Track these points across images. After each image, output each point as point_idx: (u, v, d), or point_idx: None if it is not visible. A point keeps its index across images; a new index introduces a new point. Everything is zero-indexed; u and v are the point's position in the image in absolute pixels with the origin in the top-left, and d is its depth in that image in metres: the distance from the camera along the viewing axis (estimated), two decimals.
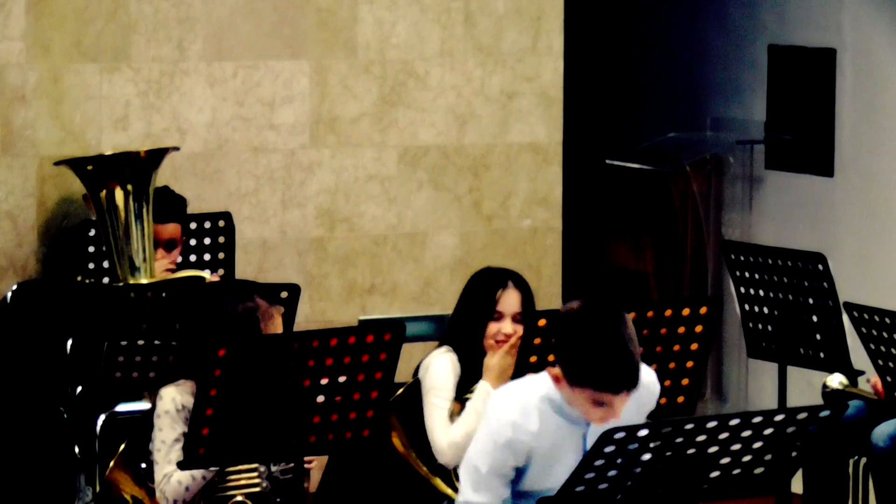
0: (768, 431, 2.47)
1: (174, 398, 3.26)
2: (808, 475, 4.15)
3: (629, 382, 2.46)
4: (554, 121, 5.35)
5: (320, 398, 3.02)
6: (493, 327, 3.70)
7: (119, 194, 4.30)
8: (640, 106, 6.78)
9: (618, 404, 2.49)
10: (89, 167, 4.27)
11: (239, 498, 3.24)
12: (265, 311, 3.33)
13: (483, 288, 3.81)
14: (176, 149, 4.45)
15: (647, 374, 2.64)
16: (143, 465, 3.25)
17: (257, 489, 3.32)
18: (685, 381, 3.37)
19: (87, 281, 4.30)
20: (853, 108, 5.57)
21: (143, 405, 3.50)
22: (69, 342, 4.00)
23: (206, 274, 4.13)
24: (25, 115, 4.48)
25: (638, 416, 2.62)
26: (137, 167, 4.34)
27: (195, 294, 3.90)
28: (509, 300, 3.74)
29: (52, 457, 4.19)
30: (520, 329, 3.73)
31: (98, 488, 3.59)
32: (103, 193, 4.29)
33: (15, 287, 4.42)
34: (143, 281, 4.19)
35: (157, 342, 3.87)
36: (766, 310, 4.27)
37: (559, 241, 5.42)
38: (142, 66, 4.60)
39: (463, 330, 3.76)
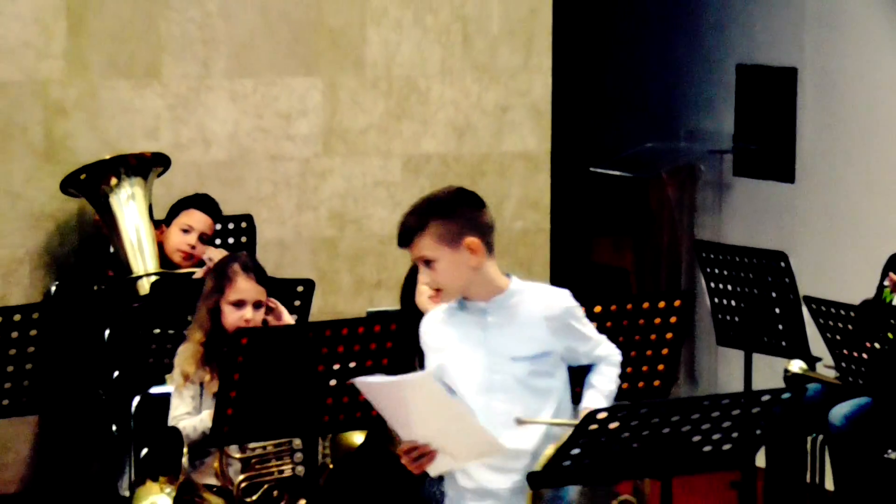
0: (735, 412, 2.48)
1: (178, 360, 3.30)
2: (770, 451, 4.13)
3: (398, 239, 2.46)
4: (543, 132, 5.32)
5: (332, 382, 3.00)
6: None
7: (113, 195, 4.27)
8: (621, 119, 6.73)
9: (417, 262, 2.48)
10: (83, 176, 4.21)
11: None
12: (230, 272, 3.31)
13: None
14: (162, 158, 4.37)
15: (553, 297, 2.52)
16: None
17: (295, 472, 3.26)
18: (661, 367, 3.36)
19: (101, 287, 4.29)
20: (813, 120, 5.60)
21: (171, 387, 3.50)
22: (107, 331, 3.97)
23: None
24: (66, 127, 4.47)
25: (552, 334, 2.49)
26: (128, 170, 4.29)
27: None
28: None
29: (93, 435, 4.16)
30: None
31: (134, 467, 3.66)
32: (101, 196, 4.28)
33: (58, 282, 4.41)
34: (151, 270, 4.15)
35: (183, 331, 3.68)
36: (733, 302, 4.26)
37: (548, 241, 5.39)
38: (171, 82, 4.60)
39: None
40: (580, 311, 2.59)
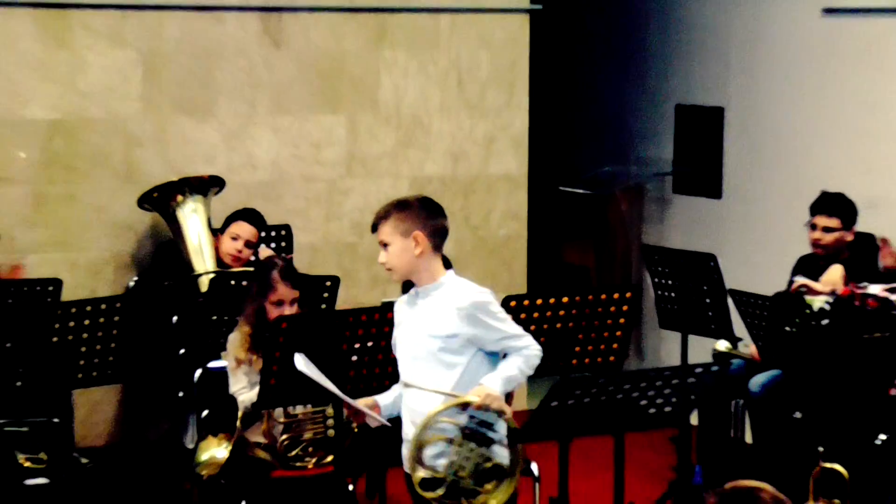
0: (675, 381, 2.47)
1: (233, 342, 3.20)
2: (702, 412, 4.10)
3: (371, 225, 2.48)
4: (522, 158, 5.27)
5: (353, 358, 2.96)
6: None
7: (179, 209, 4.22)
8: (584, 147, 6.23)
9: (379, 245, 2.45)
10: (155, 194, 4.16)
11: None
12: (272, 279, 3.26)
13: None
14: (218, 179, 4.28)
15: (467, 292, 2.42)
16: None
17: (327, 434, 3.17)
18: (615, 346, 3.33)
19: (170, 283, 3.98)
20: (736, 150, 5.58)
21: (224, 362, 3.44)
22: (174, 318, 3.95)
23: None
24: (142, 155, 4.43)
25: (461, 320, 2.40)
26: (191, 189, 4.26)
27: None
28: None
29: (164, 400, 4.13)
30: None
31: (196, 425, 3.67)
32: (170, 210, 4.26)
33: (136, 279, 4.38)
34: (209, 269, 4.09)
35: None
36: (673, 294, 4.22)
37: (525, 246, 5.27)
38: (225, 119, 4.53)
39: None
40: (495, 308, 2.50)
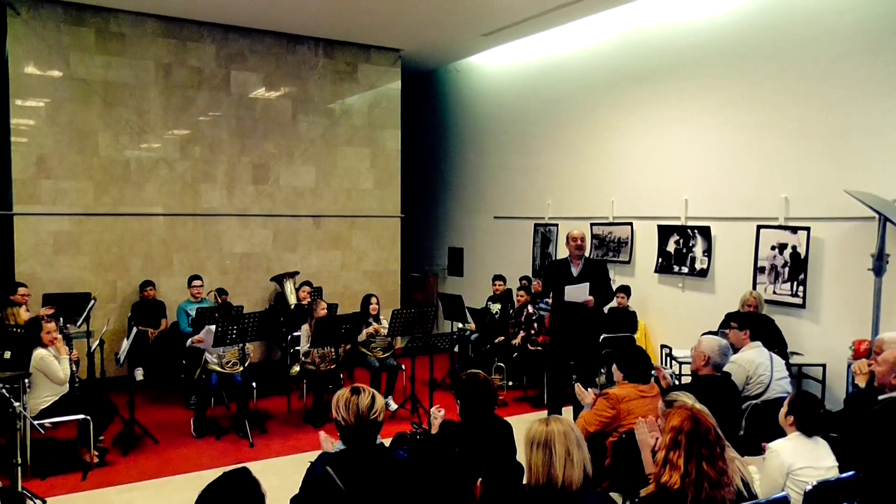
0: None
1: None
2: None
3: None
4: (398, 264, 7.28)
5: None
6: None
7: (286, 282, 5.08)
8: (421, 259, 9.08)
9: None
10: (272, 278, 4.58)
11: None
12: (315, 302, 4.27)
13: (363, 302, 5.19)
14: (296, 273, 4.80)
15: None
16: None
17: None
18: (427, 325, 4.14)
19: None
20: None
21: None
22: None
23: None
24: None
25: None
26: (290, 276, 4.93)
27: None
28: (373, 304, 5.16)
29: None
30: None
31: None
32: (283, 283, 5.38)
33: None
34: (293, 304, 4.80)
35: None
36: (446, 306, 5.70)
37: (399, 290, 7.53)
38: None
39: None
40: None
